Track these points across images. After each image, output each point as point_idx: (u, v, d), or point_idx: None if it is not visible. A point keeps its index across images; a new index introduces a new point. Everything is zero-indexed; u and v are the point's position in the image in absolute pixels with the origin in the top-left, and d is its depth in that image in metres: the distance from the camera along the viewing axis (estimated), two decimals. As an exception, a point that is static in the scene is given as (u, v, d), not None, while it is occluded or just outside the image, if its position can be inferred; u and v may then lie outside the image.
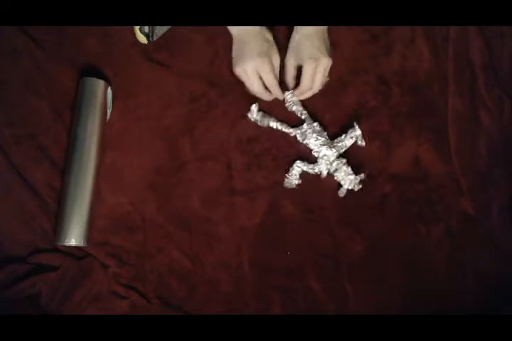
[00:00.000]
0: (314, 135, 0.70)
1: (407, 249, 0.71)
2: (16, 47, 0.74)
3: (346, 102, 0.75)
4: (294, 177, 0.70)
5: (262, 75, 0.68)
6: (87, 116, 0.69)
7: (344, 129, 0.73)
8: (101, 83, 0.71)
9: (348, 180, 0.69)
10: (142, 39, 0.74)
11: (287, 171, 0.71)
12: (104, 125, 0.71)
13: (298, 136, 0.72)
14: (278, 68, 0.71)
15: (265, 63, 0.67)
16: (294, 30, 0.70)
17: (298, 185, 0.70)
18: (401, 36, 0.78)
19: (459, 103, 0.75)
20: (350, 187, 0.69)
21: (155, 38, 0.75)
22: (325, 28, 0.70)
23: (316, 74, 0.68)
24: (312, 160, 0.71)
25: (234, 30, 0.70)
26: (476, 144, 0.75)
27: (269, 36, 0.70)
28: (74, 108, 0.70)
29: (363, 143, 0.72)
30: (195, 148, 0.73)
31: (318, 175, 0.70)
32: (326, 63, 0.68)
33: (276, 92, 0.71)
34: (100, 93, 0.71)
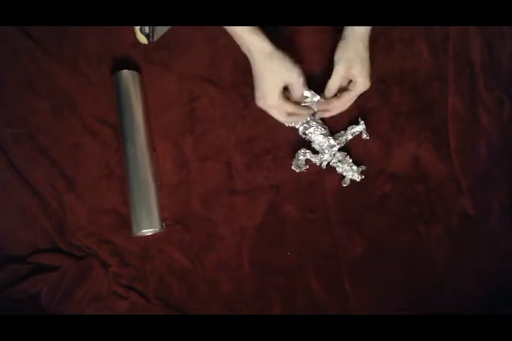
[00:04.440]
0: (319, 127, 0.71)
1: (407, 249, 0.71)
2: (16, 47, 0.74)
3: (346, 102, 0.75)
4: (301, 162, 0.71)
5: (286, 110, 0.66)
6: (133, 107, 0.71)
7: (344, 128, 0.73)
8: (135, 74, 0.72)
9: (351, 171, 0.70)
10: (142, 39, 0.74)
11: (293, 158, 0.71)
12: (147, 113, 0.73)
13: (300, 125, 0.71)
14: (300, 86, 0.66)
15: (281, 101, 0.65)
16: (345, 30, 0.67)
17: (305, 169, 0.71)
18: (401, 36, 0.78)
19: (459, 103, 0.75)
20: (353, 178, 0.70)
21: (155, 39, 0.75)
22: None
23: (352, 94, 0.68)
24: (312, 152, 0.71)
25: (254, 55, 0.63)
26: (476, 144, 0.75)
27: (284, 55, 0.64)
28: (117, 102, 0.71)
29: (367, 137, 0.72)
30: (196, 148, 0.73)
31: (318, 173, 0.71)
32: (366, 87, 0.68)
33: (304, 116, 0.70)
34: (138, 83, 0.72)
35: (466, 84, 0.76)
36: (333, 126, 0.73)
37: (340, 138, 0.71)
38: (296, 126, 0.72)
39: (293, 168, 0.72)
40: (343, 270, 0.69)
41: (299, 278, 0.69)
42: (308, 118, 0.71)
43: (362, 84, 0.67)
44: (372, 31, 0.77)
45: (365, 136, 0.72)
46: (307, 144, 0.72)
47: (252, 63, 0.64)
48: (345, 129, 0.72)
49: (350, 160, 0.70)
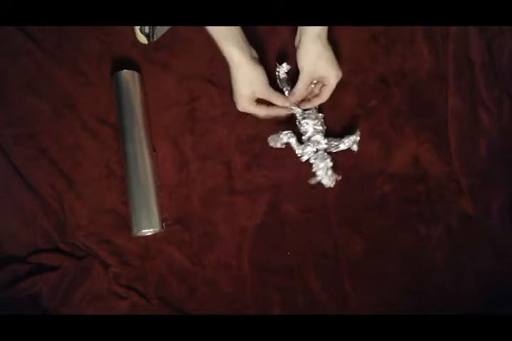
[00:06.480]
0: (316, 120, 0.70)
1: (407, 249, 0.71)
2: (16, 47, 0.74)
3: (346, 102, 0.75)
4: (280, 140, 0.69)
5: (261, 112, 0.69)
6: (133, 107, 0.71)
7: (343, 129, 0.73)
8: (135, 74, 0.73)
9: (326, 175, 0.68)
10: (142, 39, 0.74)
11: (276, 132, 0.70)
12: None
13: (298, 114, 0.71)
14: (266, 86, 0.68)
15: (252, 107, 0.68)
16: (299, 31, 0.68)
17: (282, 145, 0.70)
18: (401, 36, 0.78)
19: (459, 103, 0.75)
20: (323, 182, 0.69)
21: (155, 38, 0.75)
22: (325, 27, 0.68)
23: (328, 88, 0.69)
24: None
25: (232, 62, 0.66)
26: (476, 144, 0.75)
27: (256, 62, 0.67)
28: (118, 102, 0.71)
29: (356, 149, 0.71)
30: (195, 148, 0.73)
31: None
32: (339, 77, 0.69)
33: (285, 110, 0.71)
34: (138, 83, 0.72)
35: (466, 84, 0.76)
36: (333, 126, 0.73)
37: (332, 142, 0.69)
38: (292, 111, 0.71)
39: (269, 140, 0.70)
40: (343, 270, 0.70)
41: (299, 278, 0.69)
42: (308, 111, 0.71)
43: (334, 77, 0.68)
44: (372, 31, 0.78)
45: (355, 147, 0.70)
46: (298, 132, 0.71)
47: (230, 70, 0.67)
48: (341, 137, 0.70)
49: (330, 164, 0.68)
